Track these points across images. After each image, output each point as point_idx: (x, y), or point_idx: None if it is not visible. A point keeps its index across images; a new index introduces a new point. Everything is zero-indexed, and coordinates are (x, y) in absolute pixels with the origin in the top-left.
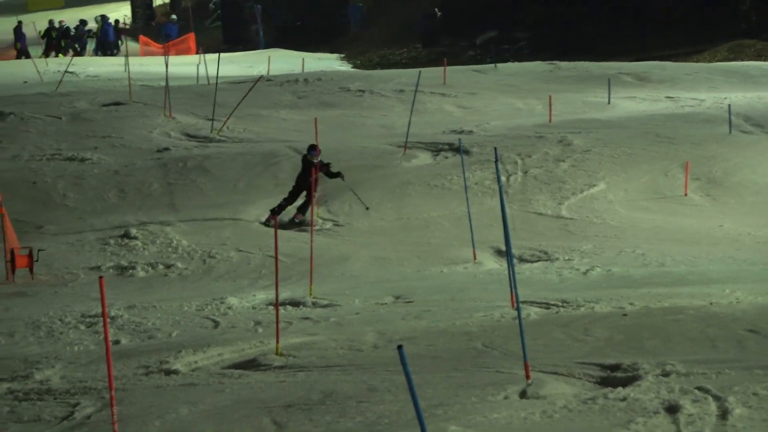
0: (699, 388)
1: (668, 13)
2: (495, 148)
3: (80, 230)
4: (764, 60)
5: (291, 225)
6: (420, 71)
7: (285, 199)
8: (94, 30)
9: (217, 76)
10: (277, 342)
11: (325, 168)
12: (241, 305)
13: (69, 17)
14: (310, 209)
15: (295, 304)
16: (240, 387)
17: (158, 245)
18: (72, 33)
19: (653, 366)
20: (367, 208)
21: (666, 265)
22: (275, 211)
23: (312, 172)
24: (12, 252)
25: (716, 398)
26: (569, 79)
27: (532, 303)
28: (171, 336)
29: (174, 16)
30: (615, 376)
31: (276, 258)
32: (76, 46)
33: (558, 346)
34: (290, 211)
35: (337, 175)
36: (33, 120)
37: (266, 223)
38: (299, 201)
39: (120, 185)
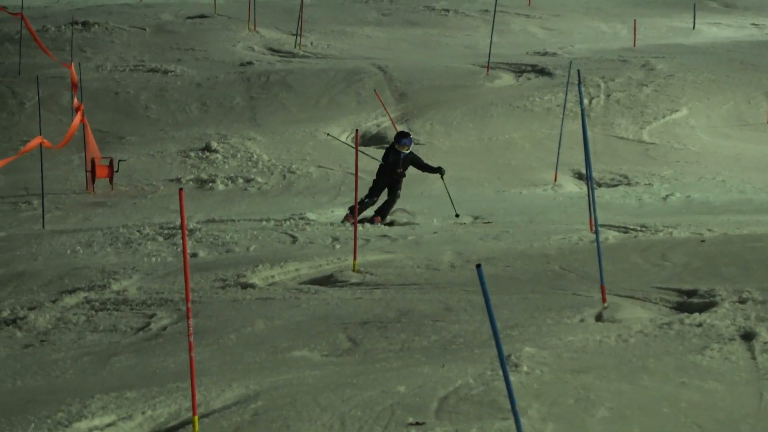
0: None
1: None
2: (578, 71)
3: (161, 142)
4: None
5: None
6: None
7: (366, 196)
8: None
9: None
10: (355, 259)
11: (417, 162)
12: (320, 221)
13: None
14: (391, 211)
15: (373, 221)
16: (316, 303)
17: (238, 159)
18: None
19: (730, 293)
20: (457, 215)
21: (746, 192)
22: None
23: (399, 167)
24: (93, 162)
25: None
26: (655, 4)
27: (610, 227)
28: (249, 250)
29: None
30: (691, 302)
31: (356, 175)
32: None
33: (635, 270)
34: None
35: (437, 170)
36: (117, 31)
37: (343, 223)
38: (380, 201)
39: (202, 98)
